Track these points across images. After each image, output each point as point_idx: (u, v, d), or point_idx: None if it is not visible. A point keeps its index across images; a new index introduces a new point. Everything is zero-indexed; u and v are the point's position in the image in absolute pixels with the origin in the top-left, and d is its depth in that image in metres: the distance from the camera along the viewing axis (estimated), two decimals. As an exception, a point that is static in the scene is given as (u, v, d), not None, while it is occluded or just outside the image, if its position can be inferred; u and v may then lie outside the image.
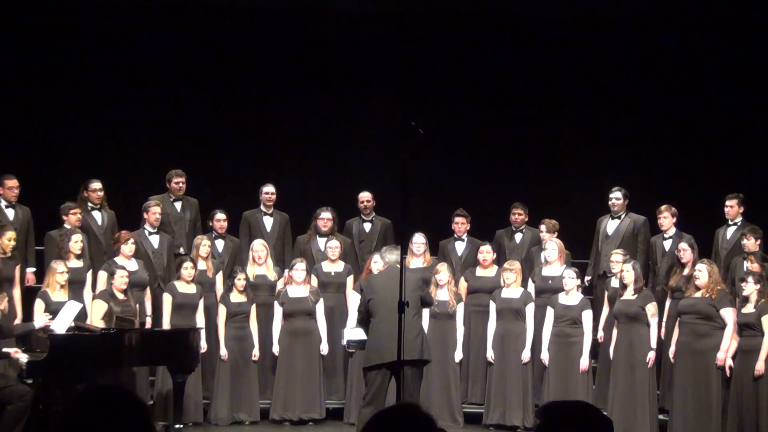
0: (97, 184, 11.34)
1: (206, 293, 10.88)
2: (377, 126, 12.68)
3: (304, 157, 13.64)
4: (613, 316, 10.43)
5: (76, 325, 9.52)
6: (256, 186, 12.01)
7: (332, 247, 11.23)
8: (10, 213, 11.02)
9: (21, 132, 13.04)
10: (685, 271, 10.40)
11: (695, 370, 9.82)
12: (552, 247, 11.00)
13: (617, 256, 10.68)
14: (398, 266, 9.02)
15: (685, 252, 10.49)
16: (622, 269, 10.36)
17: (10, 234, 10.35)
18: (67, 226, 10.87)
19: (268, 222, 11.87)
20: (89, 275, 10.67)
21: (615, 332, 10.36)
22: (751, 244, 10.39)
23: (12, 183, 11.03)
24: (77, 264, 10.50)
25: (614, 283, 10.71)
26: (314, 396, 10.78)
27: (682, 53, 13.28)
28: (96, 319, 9.95)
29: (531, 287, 11.05)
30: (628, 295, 10.29)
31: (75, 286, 10.31)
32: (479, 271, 11.22)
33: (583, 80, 13.42)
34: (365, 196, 11.99)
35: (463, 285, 11.19)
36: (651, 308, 10.24)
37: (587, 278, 11.62)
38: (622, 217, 11.48)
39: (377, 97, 13.32)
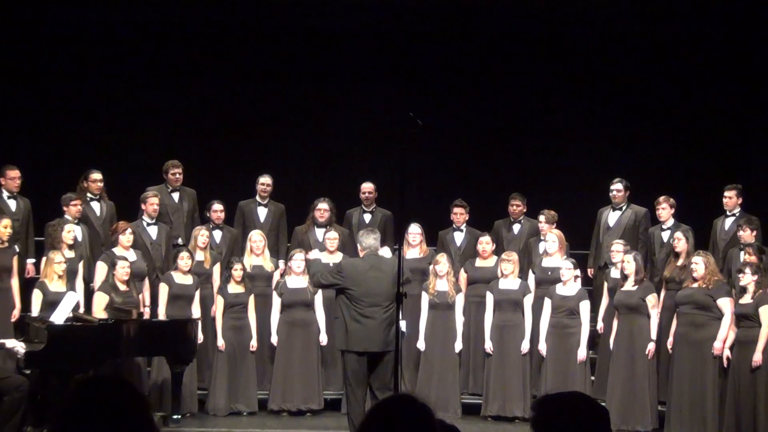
0: (97, 175, 11.34)
1: (203, 284, 10.89)
2: (375, 117, 12.67)
3: (303, 148, 13.65)
4: (614, 307, 10.43)
5: (74, 316, 9.53)
6: (254, 176, 12.00)
7: (330, 238, 11.21)
8: (12, 204, 11.02)
9: (20, 123, 13.04)
10: (679, 262, 10.42)
11: (693, 361, 9.84)
12: (552, 239, 10.99)
13: (618, 246, 10.67)
14: (379, 254, 9.14)
15: (679, 241, 10.50)
16: (623, 260, 10.36)
17: (6, 222, 10.35)
18: (68, 217, 10.85)
19: (262, 212, 11.87)
20: (81, 265, 10.67)
21: (615, 323, 10.36)
22: (747, 235, 10.39)
23: (14, 173, 11.02)
24: (69, 254, 10.49)
25: (614, 273, 10.70)
26: (312, 387, 10.78)
27: (682, 45, 13.27)
28: (98, 310, 9.97)
29: (531, 278, 11.06)
30: (629, 286, 10.29)
31: (68, 276, 10.28)
32: (479, 262, 11.22)
33: (582, 71, 13.40)
34: (368, 186, 11.97)
35: (463, 276, 11.20)
36: (651, 299, 10.24)
37: (590, 270, 11.62)
38: (624, 208, 11.47)
39: (375, 88, 13.33)
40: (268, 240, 11.41)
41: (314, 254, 9.67)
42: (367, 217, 11.93)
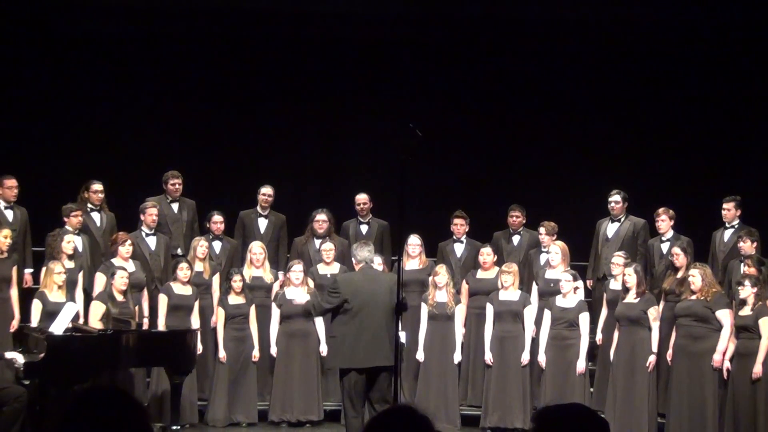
0: (98, 185, 11.34)
1: (202, 295, 10.88)
2: (375, 128, 12.69)
3: (302, 159, 13.65)
4: (615, 319, 10.41)
5: (74, 326, 9.52)
6: (253, 187, 12.01)
7: (326, 249, 11.20)
8: (9, 214, 11.01)
9: (20, 132, 13.04)
10: (679, 275, 10.42)
11: (692, 373, 9.83)
12: (555, 251, 10.98)
13: (618, 258, 10.67)
14: (375, 266, 9.14)
15: (678, 256, 10.50)
16: (624, 272, 10.36)
17: (6, 232, 10.35)
18: (68, 227, 10.84)
19: (263, 223, 11.88)
20: (81, 276, 10.66)
21: (616, 335, 10.35)
22: (747, 246, 10.39)
23: (11, 183, 11.01)
24: (69, 265, 10.48)
25: (614, 285, 10.70)
26: (312, 398, 10.77)
27: (680, 57, 13.28)
28: (94, 320, 9.94)
29: (534, 290, 11.07)
30: (630, 298, 10.29)
31: (68, 287, 10.27)
32: (480, 274, 11.21)
33: (581, 83, 13.42)
34: (362, 198, 11.99)
35: (464, 287, 11.19)
36: (653, 312, 10.24)
37: (589, 282, 11.61)
38: (622, 220, 11.48)
39: (375, 99, 13.34)
40: (268, 251, 11.41)
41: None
42: (364, 228, 11.95)
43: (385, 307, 8.86)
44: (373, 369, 8.82)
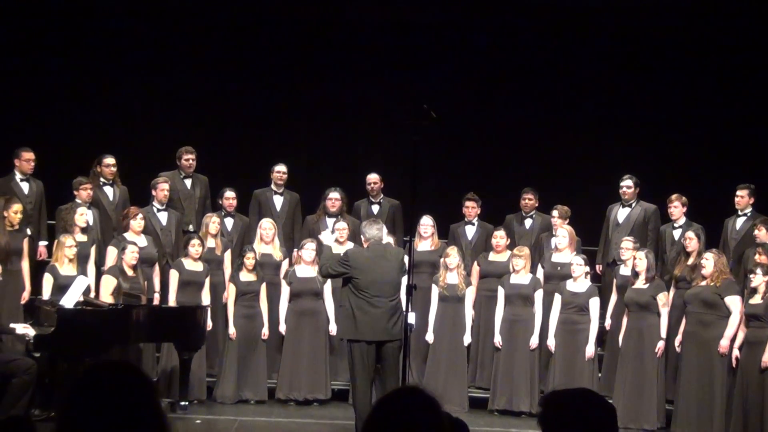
0: (110, 159, 11.36)
1: (214, 271, 10.89)
2: (390, 108, 12.66)
3: (316, 137, 13.64)
4: (624, 304, 10.40)
5: (84, 300, 9.54)
6: (266, 165, 12.01)
7: (339, 228, 11.18)
8: (25, 186, 11.03)
9: (35, 106, 13.04)
10: (690, 261, 10.41)
11: (700, 360, 9.82)
12: (563, 234, 10.98)
13: (627, 243, 10.65)
14: (384, 244, 9.12)
15: (691, 241, 10.48)
16: (635, 257, 10.34)
17: (17, 206, 10.35)
18: (78, 201, 10.87)
19: (278, 201, 11.87)
20: (93, 249, 10.68)
21: (625, 320, 10.34)
22: (762, 234, 10.36)
23: (29, 155, 11.03)
24: (82, 238, 10.51)
25: (623, 270, 10.70)
26: (320, 376, 10.78)
27: (694, 43, 13.22)
28: (105, 294, 9.97)
29: (540, 273, 11.06)
30: (640, 283, 10.27)
31: (79, 260, 10.31)
32: (492, 256, 11.21)
33: (595, 67, 13.37)
34: (373, 177, 11.98)
35: (475, 269, 11.19)
36: (662, 298, 10.22)
37: (598, 267, 11.60)
38: (633, 205, 11.47)
39: (390, 79, 13.31)
40: (284, 229, 11.42)
41: (326, 236, 9.59)
42: (375, 208, 11.94)
43: (394, 284, 8.88)
44: (381, 343, 8.80)
